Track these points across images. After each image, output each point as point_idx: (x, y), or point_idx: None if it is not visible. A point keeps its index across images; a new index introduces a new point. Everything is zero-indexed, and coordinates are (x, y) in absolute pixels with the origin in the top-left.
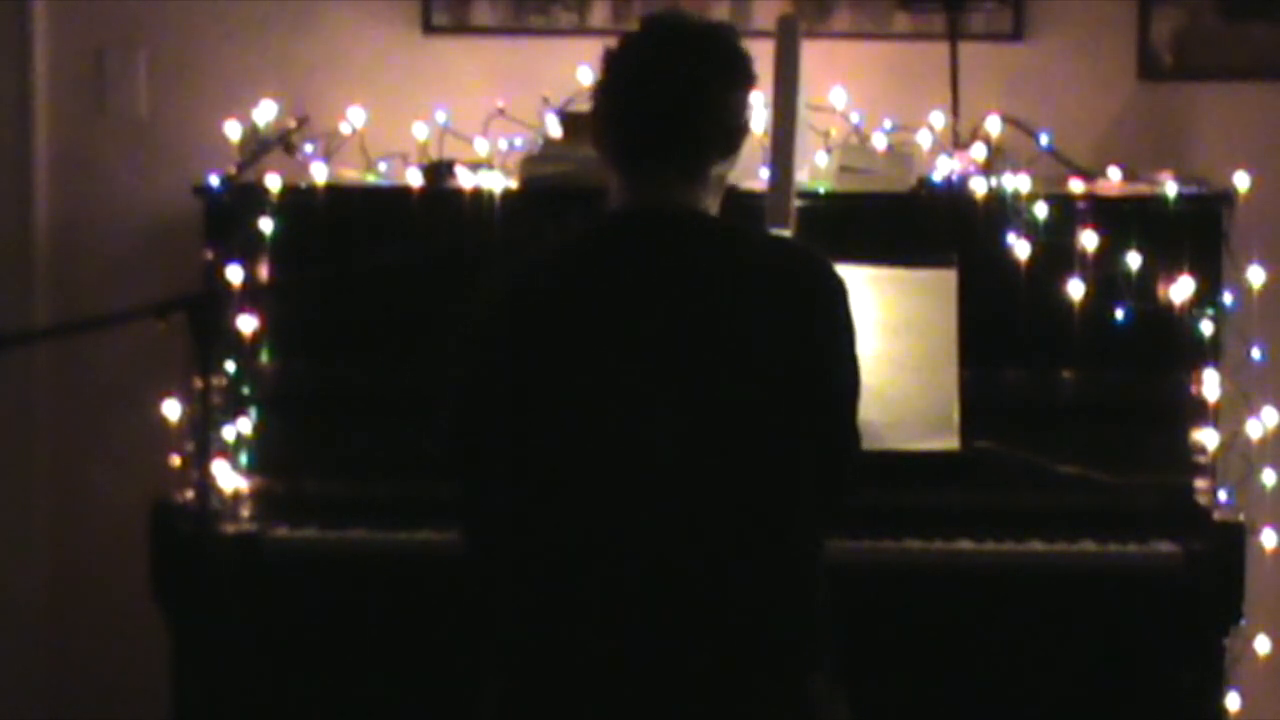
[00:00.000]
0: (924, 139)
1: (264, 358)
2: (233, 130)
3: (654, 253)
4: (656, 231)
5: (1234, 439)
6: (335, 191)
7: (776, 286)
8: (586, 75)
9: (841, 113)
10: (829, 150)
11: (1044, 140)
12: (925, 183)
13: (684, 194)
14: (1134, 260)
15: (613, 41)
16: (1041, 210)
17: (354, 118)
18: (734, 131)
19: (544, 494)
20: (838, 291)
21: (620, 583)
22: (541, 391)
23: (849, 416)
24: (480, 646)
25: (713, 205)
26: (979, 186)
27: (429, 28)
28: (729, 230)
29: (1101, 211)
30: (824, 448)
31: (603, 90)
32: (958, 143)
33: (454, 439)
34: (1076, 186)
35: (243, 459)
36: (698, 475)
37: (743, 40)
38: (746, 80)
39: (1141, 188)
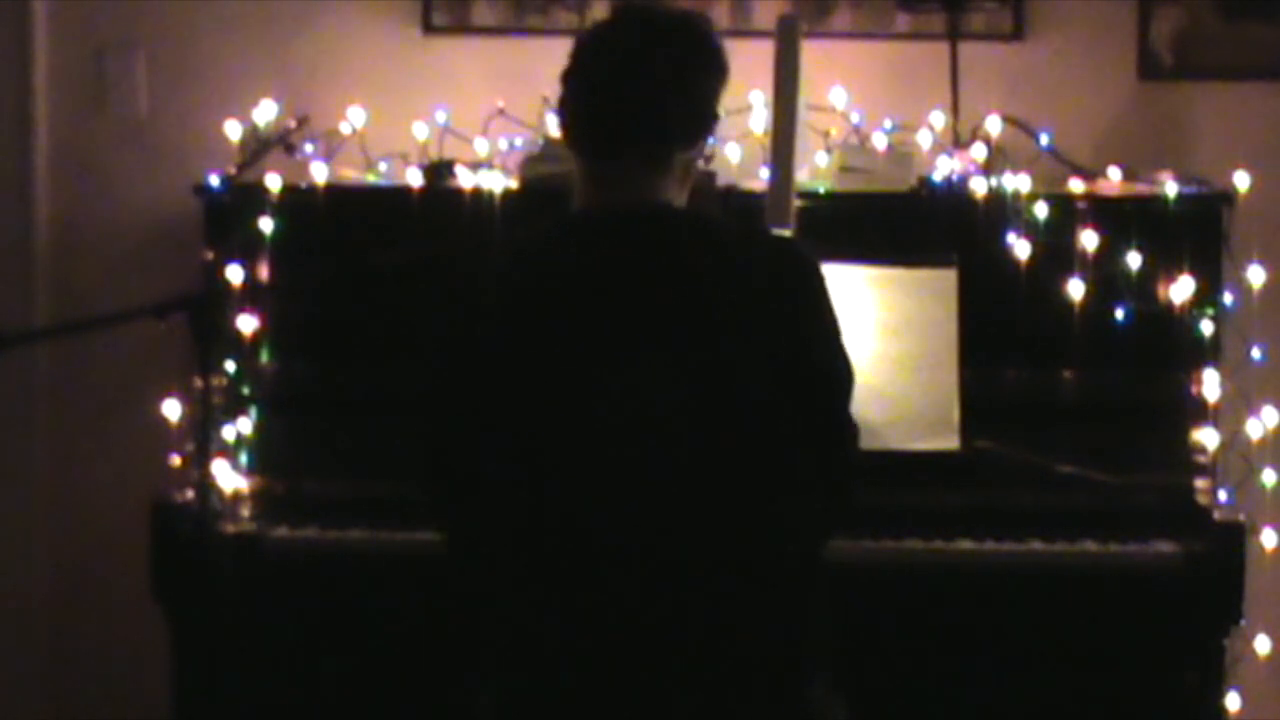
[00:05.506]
0: (924, 139)
1: (264, 358)
2: (233, 130)
3: (622, 252)
4: (622, 230)
5: (1234, 439)
6: (335, 191)
7: (748, 275)
8: None
9: (841, 113)
10: (829, 150)
11: (1044, 140)
12: (925, 183)
13: (648, 184)
14: (1134, 260)
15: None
16: (1041, 210)
17: (354, 118)
18: (698, 118)
19: (527, 501)
20: (812, 276)
21: (609, 587)
22: (519, 396)
23: (839, 406)
24: (479, 646)
25: (680, 196)
26: (979, 186)
27: (429, 28)
28: (696, 222)
29: (1101, 211)
30: (818, 440)
31: (567, 78)
32: (958, 143)
33: (433, 449)
34: (1076, 186)
35: (243, 459)
36: (685, 474)
37: (720, 33)
38: (714, 68)
39: (1141, 188)
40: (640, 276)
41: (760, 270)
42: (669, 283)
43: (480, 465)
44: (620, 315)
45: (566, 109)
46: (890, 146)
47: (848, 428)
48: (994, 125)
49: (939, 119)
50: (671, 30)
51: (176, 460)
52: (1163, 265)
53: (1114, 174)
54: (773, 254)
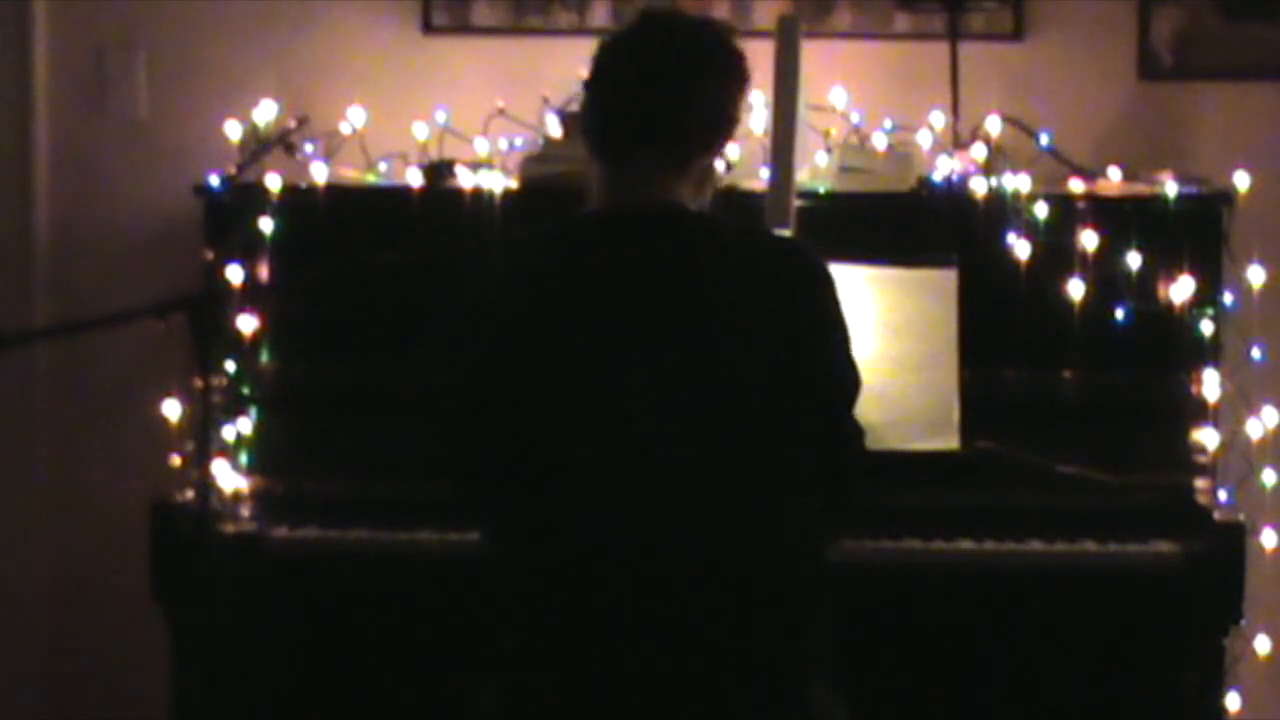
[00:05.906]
0: (924, 139)
1: (264, 358)
2: (233, 130)
3: (629, 252)
4: (630, 230)
5: (1234, 439)
6: (335, 191)
7: (757, 278)
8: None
9: (841, 113)
10: (829, 150)
11: (1044, 140)
12: (925, 183)
13: (664, 186)
14: (1134, 260)
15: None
16: (1041, 210)
17: (354, 118)
18: (718, 123)
19: (534, 504)
20: (821, 282)
21: (610, 586)
22: (530, 398)
23: (842, 409)
24: (480, 646)
25: (696, 199)
26: (979, 186)
27: (429, 28)
28: (708, 224)
29: (1101, 211)
30: (821, 444)
31: (589, 82)
32: (958, 143)
33: (450, 449)
34: (1076, 186)
35: (243, 459)
36: (688, 475)
37: (739, 38)
38: (734, 74)
39: (1141, 188)
40: (646, 276)
41: (767, 273)
42: (675, 283)
43: (489, 465)
44: (624, 315)
45: (587, 113)
46: (890, 146)
47: (851, 430)
48: (994, 125)
49: (939, 119)
50: (691, 35)
51: (176, 460)
52: (1163, 265)
53: (1114, 174)
54: (780, 257)
